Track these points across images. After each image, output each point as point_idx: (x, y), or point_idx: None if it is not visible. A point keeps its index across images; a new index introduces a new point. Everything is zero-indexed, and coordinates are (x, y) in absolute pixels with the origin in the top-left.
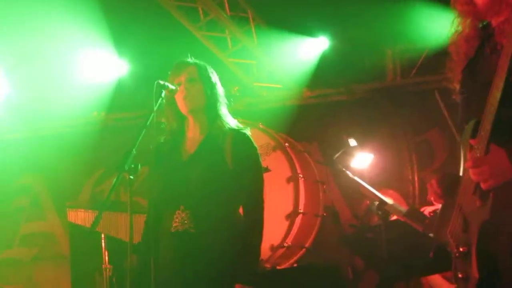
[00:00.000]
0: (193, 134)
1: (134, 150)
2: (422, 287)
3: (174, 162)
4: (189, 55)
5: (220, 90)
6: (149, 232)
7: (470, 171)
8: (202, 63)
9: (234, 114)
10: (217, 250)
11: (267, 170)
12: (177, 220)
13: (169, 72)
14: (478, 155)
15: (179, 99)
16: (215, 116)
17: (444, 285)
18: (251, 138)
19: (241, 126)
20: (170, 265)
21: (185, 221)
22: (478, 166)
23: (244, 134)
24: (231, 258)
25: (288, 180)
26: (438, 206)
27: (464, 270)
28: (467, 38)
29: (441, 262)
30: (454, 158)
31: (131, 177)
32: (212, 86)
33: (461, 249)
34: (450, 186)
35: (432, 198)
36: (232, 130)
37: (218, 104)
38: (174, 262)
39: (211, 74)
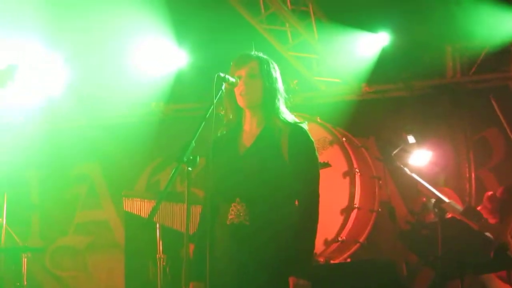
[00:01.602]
0: (250, 127)
1: (193, 141)
2: (476, 286)
3: (230, 155)
4: (253, 48)
5: (280, 85)
6: (205, 223)
7: None
8: (265, 57)
9: (293, 107)
10: (271, 243)
11: (327, 165)
12: (232, 212)
13: (231, 63)
14: None
15: (237, 93)
16: (272, 111)
17: (498, 285)
18: (308, 132)
19: (297, 120)
20: (225, 256)
21: (241, 214)
22: None
23: (301, 128)
24: (286, 251)
25: (345, 174)
26: None
27: None
28: None
29: (496, 262)
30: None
31: (190, 168)
32: (271, 81)
33: None
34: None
35: (482, 211)
36: (289, 124)
37: (276, 99)
38: (229, 254)
39: (272, 70)
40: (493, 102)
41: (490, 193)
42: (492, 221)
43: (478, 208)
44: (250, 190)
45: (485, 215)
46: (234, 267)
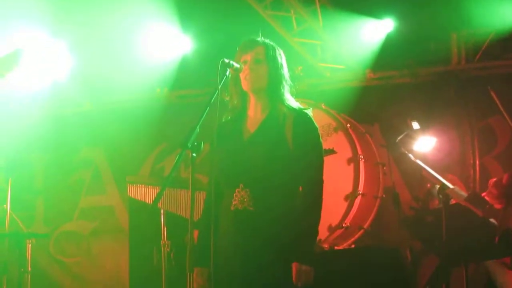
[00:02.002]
0: (255, 113)
1: (197, 127)
2: (479, 272)
3: (235, 141)
4: (260, 34)
5: (285, 71)
6: (209, 209)
7: None
8: (271, 43)
9: (297, 94)
10: (275, 229)
11: (332, 152)
12: (236, 198)
13: (237, 49)
14: None
15: (242, 78)
16: (277, 97)
17: (503, 271)
18: (312, 118)
19: (302, 107)
20: (229, 242)
21: (244, 199)
22: None
23: (306, 114)
24: (289, 237)
25: (349, 161)
26: None
27: None
28: None
29: (501, 248)
30: None
31: (194, 154)
32: (277, 67)
33: None
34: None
35: (487, 197)
36: (294, 110)
37: (281, 85)
38: (233, 239)
39: (278, 56)
40: (492, 94)
41: (495, 179)
42: (497, 206)
43: (484, 194)
44: (254, 176)
45: (491, 201)
46: (238, 252)
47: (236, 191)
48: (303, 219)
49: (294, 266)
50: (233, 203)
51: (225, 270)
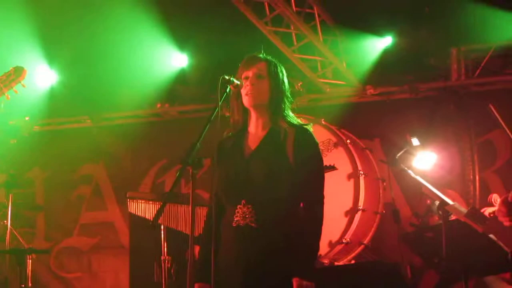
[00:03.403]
0: (256, 129)
1: (198, 143)
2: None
3: (236, 157)
4: (262, 50)
5: (286, 88)
6: (211, 225)
7: None
8: (273, 59)
9: (297, 109)
10: (277, 244)
11: (333, 168)
12: (238, 214)
13: (238, 65)
14: None
15: (243, 94)
16: (278, 113)
17: (503, 286)
18: (313, 134)
19: (302, 122)
20: (231, 258)
21: (246, 216)
22: None
23: (306, 130)
24: (291, 253)
25: (349, 176)
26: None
27: None
28: None
29: (500, 264)
30: None
31: (194, 170)
32: (278, 83)
33: None
34: None
35: (498, 216)
36: (295, 126)
37: (282, 101)
38: (235, 255)
39: (279, 72)
40: (492, 108)
41: (494, 194)
42: (507, 224)
43: (493, 213)
44: (256, 193)
45: (501, 219)
46: (240, 268)
47: (238, 207)
48: (304, 235)
49: (295, 281)
50: (235, 219)
51: (227, 286)
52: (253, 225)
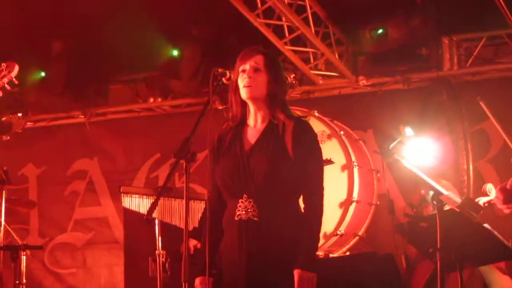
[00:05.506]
0: (254, 122)
1: (191, 137)
2: (475, 277)
3: (236, 150)
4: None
5: (283, 80)
6: (212, 219)
7: None
8: (270, 53)
9: (290, 102)
10: (280, 237)
11: (330, 162)
12: (240, 208)
13: (234, 58)
14: None
15: (241, 86)
16: (276, 106)
17: (497, 276)
18: (311, 127)
19: (301, 115)
20: (234, 251)
21: (249, 210)
22: None
23: (305, 122)
24: (293, 245)
25: (343, 168)
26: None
27: None
28: None
29: (495, 253)
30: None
31: (188, 164)
32: (275, 76)
33: None
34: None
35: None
36: (293, 118)
37: (280, 94)
38: (238, 249)
39: (277, 65)
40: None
41: (489, 184)
42: (506, 211)
43: (491, 201)
44: (257, 187)
45: (498, 206)
46: (243, 262)
47: (240, 201)
48: (305, 227)
49: (296, 273)
50: (237, 213)
51: (230, 279)
52: (255, 219)
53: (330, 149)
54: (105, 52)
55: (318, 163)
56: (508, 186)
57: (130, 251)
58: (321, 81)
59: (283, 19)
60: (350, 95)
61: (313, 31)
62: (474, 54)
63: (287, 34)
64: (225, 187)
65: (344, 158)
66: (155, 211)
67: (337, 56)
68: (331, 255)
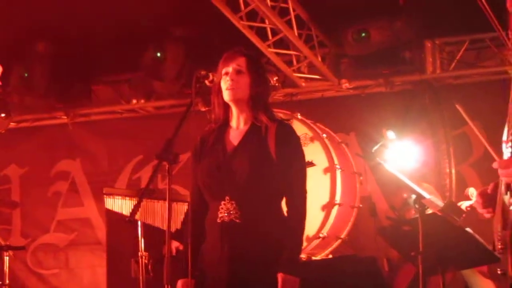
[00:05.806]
0: (237, 124)
1: (174, 138)
2: (457, 281)
3: (218, 152)
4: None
5: (266, 83)
6: (195, 221)
7: (499, 172)
8: (253, 55)
9: (273, 104)
10: (262, 240)
11: (311, 164)
12: (222, 210)
13: (217, 60)
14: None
15: (223, 88)
16: (258, 108)
17: (479, 279)
18: (294, 129)
19: (283, 117)
20: (216, 253)
21: (231, 212)
22: (506, 167)
23: (288, 125)
24: (275, 248)
25: (325, 171)
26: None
27: (503, 267)
28: None
29: (477, 257)
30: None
31: (170, 165)
32: (258, 79)
33: (499, 246)
34: (491, 196)
35: (477, 208)
36: (276, 121)
37: (262, 96)
38: (220, 251)
39: (260, 67)
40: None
41: (471, 188)
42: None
43: (471, 205)
44: (240, 189)
45: (478, 210)
46: (225, 264)
47: (222, 203)
48: (288, 230)
49: (280, 276)
50: (219, 215)
51: (212, 281)
52: (237, 221)
53: (313, 152)
54: (88, 53)
55: (301, 166)
56: (489, 191)
57: (113, 252)
58: (303, 84)
59: (266, 21)
60: (333, 97)
61: (296, 33)
62: (457, 57)
63: (270, 37)
64: (206, 188)
65: (327, 161)
66: (137, 213)
67: (320, 58)
68: (313, 258)
